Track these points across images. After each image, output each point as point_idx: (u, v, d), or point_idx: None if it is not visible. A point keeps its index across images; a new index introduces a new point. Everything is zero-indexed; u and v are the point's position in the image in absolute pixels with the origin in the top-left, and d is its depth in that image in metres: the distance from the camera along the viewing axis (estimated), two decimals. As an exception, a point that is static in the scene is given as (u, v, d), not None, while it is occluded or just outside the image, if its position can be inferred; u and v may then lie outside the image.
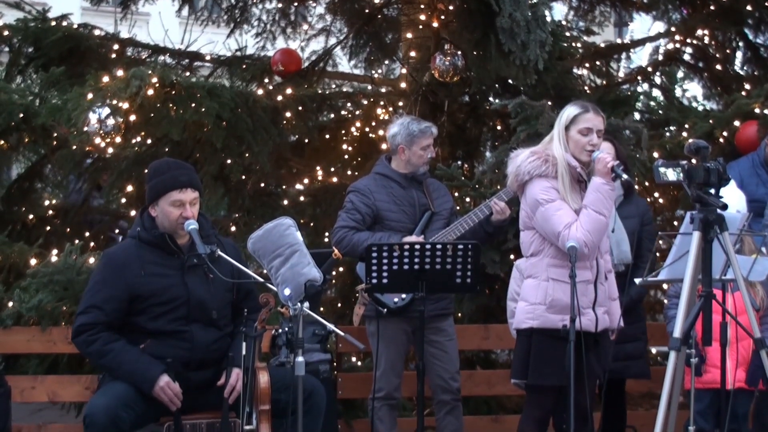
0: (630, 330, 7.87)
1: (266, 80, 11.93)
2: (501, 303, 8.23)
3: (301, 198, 11.32)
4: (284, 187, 11.54)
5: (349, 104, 12.05)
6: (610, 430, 8.35)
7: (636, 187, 8.48)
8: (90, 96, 9.88)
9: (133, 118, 9.91)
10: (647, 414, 8.11)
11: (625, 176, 7.08)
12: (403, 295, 8.20)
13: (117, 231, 12.06)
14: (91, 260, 9.13)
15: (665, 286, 8.19)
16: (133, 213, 10.55)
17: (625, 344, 7.87)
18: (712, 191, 6.76)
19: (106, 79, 10.03)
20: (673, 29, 13.29)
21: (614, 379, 8.02)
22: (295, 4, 13.22)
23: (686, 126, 10.44)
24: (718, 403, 6.93)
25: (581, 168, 7.07)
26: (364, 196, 8.43)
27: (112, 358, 6.82)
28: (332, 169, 11.46)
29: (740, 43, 13.19)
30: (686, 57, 13.28)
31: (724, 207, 6.72)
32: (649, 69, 13.33)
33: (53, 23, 11.86)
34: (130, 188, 10.87)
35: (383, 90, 12.16)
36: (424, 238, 8.29)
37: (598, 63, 13.44)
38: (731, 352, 7.35)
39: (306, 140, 11.51)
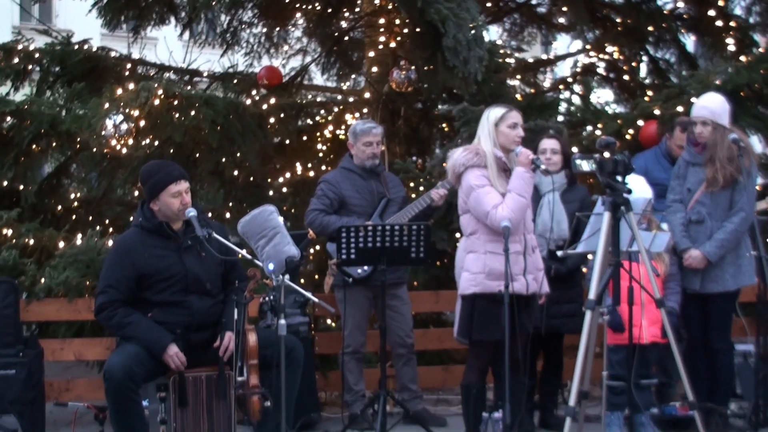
0: (568, 293, 8.00)
1: (253, 92, 11.86)
2: (449, 273, 8.23)
3: (284, 189, 11.31)
4: (269, 180, 11.51)
5: (322, 111, 12.02)
6: (550, 373, 8.50)
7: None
8: (106, 106, 9.84)
9: (142, 123, 9.86)
10: (570, 362, 8.11)
11: (543, 166, 7.23)
12: (365, 267, 8.24)
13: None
14: (110, 243, 9.08)
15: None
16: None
17: (562, 305, 7.94)
18: (620, 179, 6.77)
19: (119, 91, 9.98)
20: (588, 47, 13.35)
21: (553, 333, 8.12)
22: (277, 29, 13.16)
23: (599, 126, 10.44)
24: (632, 354, 6.95)
25: (505, 159, 7.14)
26: (332, 185, 8.52)
27: (129, 329, 6.76)
28: (309, 165, 11.43)
29: (644, 58, 13.25)
30: (600, 69, 13.30)
31: (629, 192, 6.74)
32: (569, 79, 13.37)
33: (76, 47, 11.82)
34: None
35: (350, 99, 12.13)
36: (381, 220, 8.36)
37: (527, 75, 13.48)
38: (645, 312, 7.37)
39: (287, 141, 11.48)
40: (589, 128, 10.68)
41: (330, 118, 11.69)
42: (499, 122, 7.20)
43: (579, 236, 7.45)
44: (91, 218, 11.32)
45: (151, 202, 6.90)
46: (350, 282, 8.38)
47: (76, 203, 11.73)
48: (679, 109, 9.66)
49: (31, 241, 9.66)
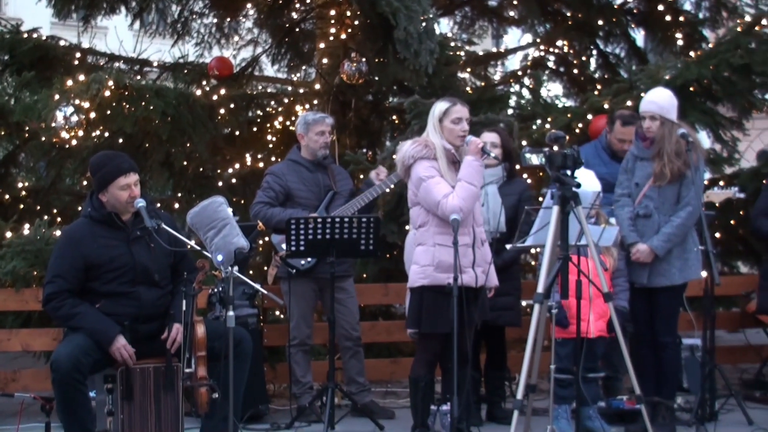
0: (504, 286, 7.94)
1: (204, 83, 11.81)
2: (399, 266, 8.24)
3: (233, 180, 11.27)
4: (219, 171, 11.47)
5: (272, 102, 11.97)
6: (494, 366, 8.51)
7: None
8: (57, 96, 9.76)
9: (93, 114, 9.78)
10: (518, 355, 8.14)
11: (493, 154, 7.25)
12: (309, 258, 8.24)
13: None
14: (57, 233, 8.96)
15: (533, 250, 8.25)
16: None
17: (499, 298, 7.92)
18: (569, 173, 6.79)
19: (70, 82, 9.91)
20: (538, 40, 13.39)
21: (493, 326, 8.14)
22: (228, 19, 13.12)
23: (549, 119, 10.46)
24: (580, 348, 6.97)
25: (455, 150, 7.15)
26: (278, 177, 8.52)
27: (77, 320, 6.70)
28: (259, 156, 11.42)
29: (593, 52, 13.31)
30: (550, 63, 13.36)
31: (578, 186, 6.76)
32: (520, 73, 13.39)
33: (25, 35, 11.64)
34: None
35: (301, 91, 12.07)
36: (327, 213, 8.36)
37: (477, 68, 13.50)
38: (593, 307, 7.42)
39: (237, 132, 11.42)
40: (539, 122, 10.70)
41: (280, 109, 11.65)
42: (443, 117, 7.20)
43: (517, 228, 7.49)
44: (39, 208, 11.23)
45: (100, 193, 6.85)
46: (294, 273, 8.39)
47: (24, 193, 11.64)
48: (629, 103, 9.69)
49: (-22, 231, 9.56)
